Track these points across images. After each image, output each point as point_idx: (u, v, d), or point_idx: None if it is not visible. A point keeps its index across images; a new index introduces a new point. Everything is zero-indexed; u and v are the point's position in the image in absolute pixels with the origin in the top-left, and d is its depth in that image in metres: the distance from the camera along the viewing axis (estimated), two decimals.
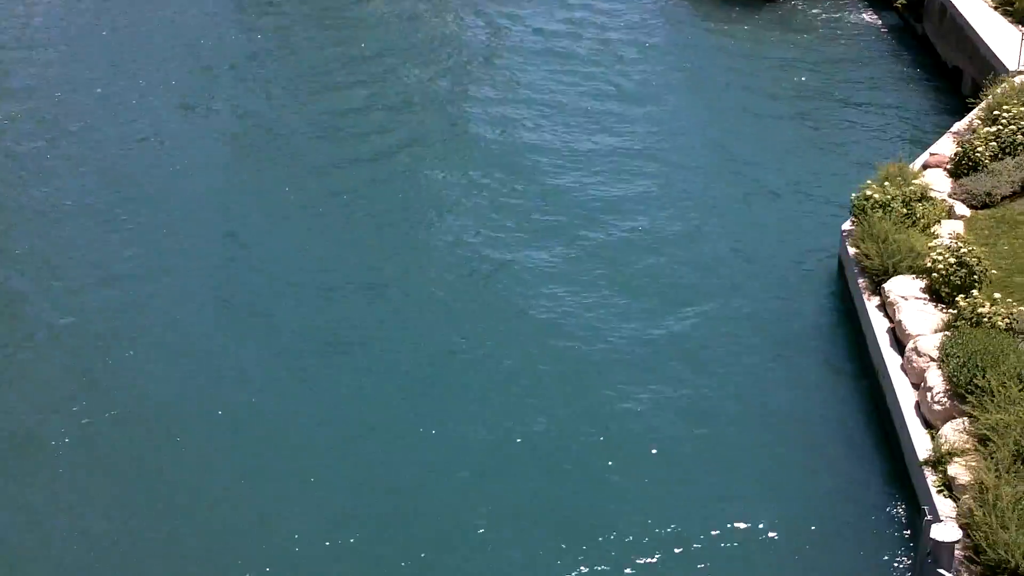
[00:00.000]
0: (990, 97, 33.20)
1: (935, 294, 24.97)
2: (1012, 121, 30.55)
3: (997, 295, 23.80)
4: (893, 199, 27.71)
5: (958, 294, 24.25)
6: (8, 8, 47.43)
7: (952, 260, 24.66)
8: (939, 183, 29.69)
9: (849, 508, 21.88)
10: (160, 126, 38.00)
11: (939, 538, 18.42)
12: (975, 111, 33.56)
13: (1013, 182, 28.91)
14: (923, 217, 27.51)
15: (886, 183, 28.38)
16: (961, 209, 28.51)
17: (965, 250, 24.75)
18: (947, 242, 25.84)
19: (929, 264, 25.15)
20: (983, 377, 21.40)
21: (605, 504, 21.87)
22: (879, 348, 24.71)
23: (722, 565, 20.57)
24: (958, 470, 20.18)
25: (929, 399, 22.09)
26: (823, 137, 38.19)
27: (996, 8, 42.01)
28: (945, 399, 21.82)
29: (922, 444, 21.59)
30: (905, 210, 27.58)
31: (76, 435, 23.34)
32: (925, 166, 30.99)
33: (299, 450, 23.14)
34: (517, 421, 23.88)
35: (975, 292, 23.98)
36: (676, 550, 20.76)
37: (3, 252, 29.95)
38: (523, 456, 23.06)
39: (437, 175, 34.78)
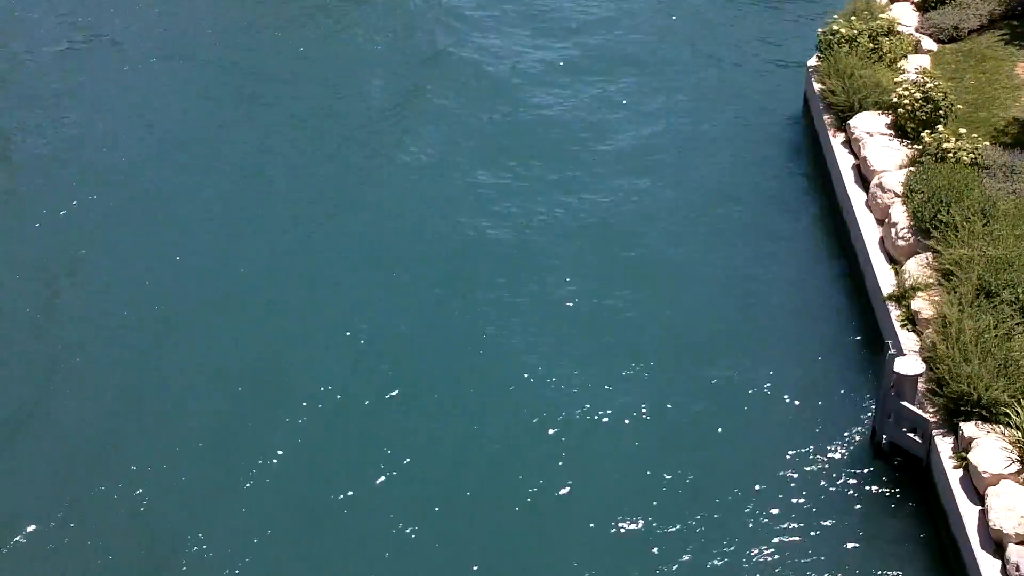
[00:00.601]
0: None
1: (901, 130, 24.86)
2: None
3: (963, 130, 23.72)
4: (860, 34, 27.37)
5: (924, 129, 24.17)
6: None
7: (918, 95, 24.49)
8: (906, 17, 29.31)
9: (813, 345, 22.11)
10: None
11: (903, 372, 18.70)
12: None
13: (980, 15, 28.58)
14: (890, 52, 27.22)
15: (852, 17, 28.01)
16: (928, 43, 28.21)
17: (931, 85, 24.57)
18: (913, 77, 25.65)
19: (895, 99, 24.97)
20: (947, 212, 21.48)
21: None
22: (844, 185, 24.68)
23: (694, 401, 20.95)
24: (921, 305, 20.39)
25: (893, 235, 22.18)
26: None
27: None
28: (909, 235, 21.91)
29: (886, 280, 21.75)
30: (872, 45, 27.28)
31: None
32: (892, 0, 30.56)
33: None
34: None
35: (940, 127, 23.90)
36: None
37: None
38: None
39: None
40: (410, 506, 19.01)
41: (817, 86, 27.40)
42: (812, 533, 18.40)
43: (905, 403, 18.83)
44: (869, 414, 20.26)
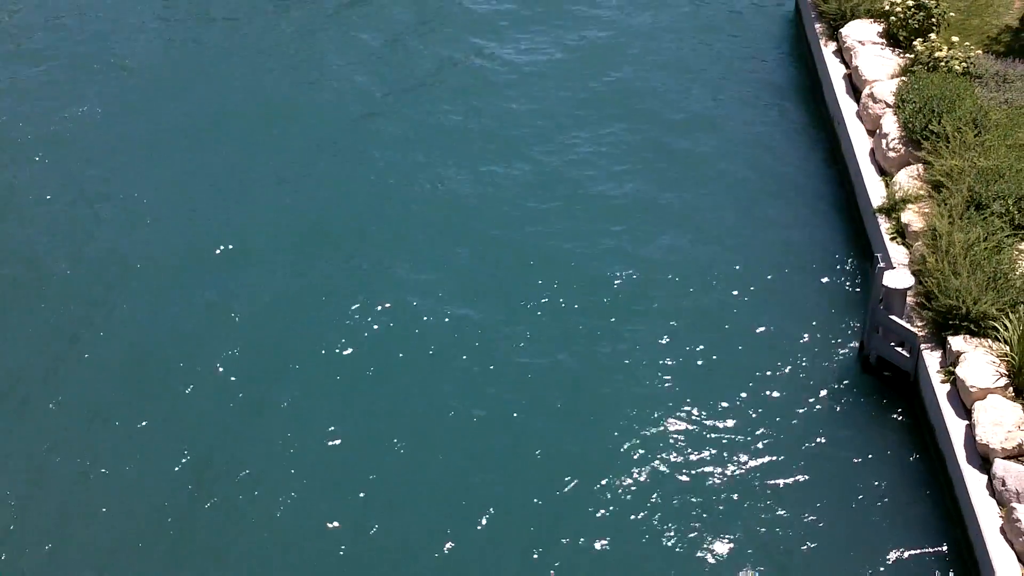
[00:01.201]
0: None
1: (892, 38, 24.46)
2: None
3: (955, 38, 23.33)
4: None
5: (916, 38, 23.77)
6: None
7: (910, 2, 24.07)
8: None
9: (803, 256, 21.92)
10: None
11: (891, 285, 18.52)
12: None
13: None
14: None
15: None
16: None
17: None
18: None
19: (887, 7, 24.54)
20: (939, 123, 21.18)
21: None
22: (835, 95, 24.32)
23: (678, 318, 20.81)
24: (911, 217, 20.16)
25: (884, 146, 21.87)
26: None
27: None
28: (900, 145, 21.63)
29: (876, 191, 21.49)
30: None
31: None
32: None
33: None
34: None
35: (932, 36, 23.51)
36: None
37: None
38: None
39: None
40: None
41: None
42: (799, 447, 18.34)
43: (893, 317, 18.68)
44: (857, 328, 20.13)
